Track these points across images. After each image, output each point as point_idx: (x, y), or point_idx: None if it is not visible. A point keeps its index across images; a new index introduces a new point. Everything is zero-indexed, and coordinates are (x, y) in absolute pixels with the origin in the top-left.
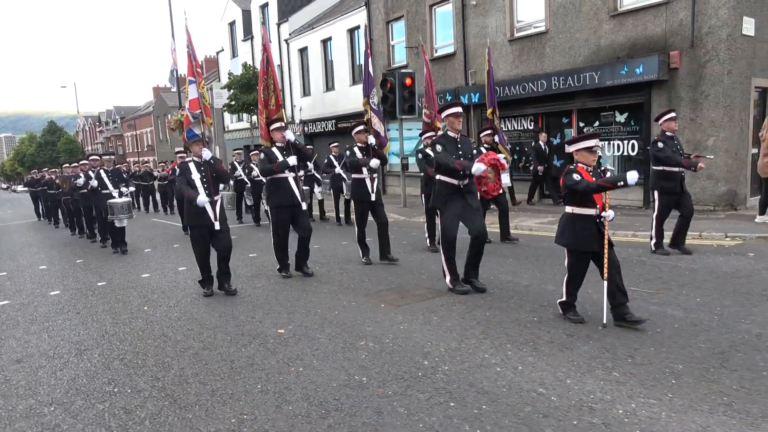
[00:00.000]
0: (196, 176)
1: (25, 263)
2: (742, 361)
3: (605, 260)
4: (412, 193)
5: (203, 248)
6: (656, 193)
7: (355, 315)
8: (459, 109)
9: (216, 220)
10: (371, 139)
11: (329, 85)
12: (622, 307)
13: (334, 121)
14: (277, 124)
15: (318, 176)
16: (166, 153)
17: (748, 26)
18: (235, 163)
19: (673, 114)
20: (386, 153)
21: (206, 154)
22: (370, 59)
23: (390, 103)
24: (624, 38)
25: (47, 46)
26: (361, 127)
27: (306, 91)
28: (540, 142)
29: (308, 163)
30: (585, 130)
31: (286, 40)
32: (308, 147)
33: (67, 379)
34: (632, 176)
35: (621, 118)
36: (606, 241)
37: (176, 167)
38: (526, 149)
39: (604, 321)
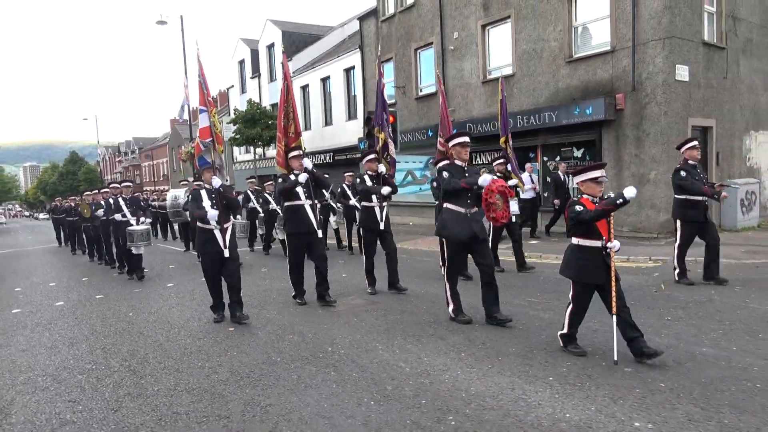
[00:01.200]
0: (206, 203)
1: (38, 281)
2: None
3: (613, 294)
4: (413, 221)
5: (214, 275)
6: (678, 222)
7: (292, 317)
8: (466, 139)
9: (226, 247)
10: (381, 168)
11: (327, 120)
12: (637, 341)
13: (332, 153)
14: (296, 152)
15: (333, 205)
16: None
17: (682, 72)
18: (249, 192)
19: (695, 143)
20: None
21: (216, 182)
22: (384, 89)
23: (373, 138)
24: (578, 82)
25: (71, 78)
26: (371, 156)
27: (307, 126)
28: (559, 173)
29: (325, 192)
30: (549, 164)
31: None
32: (326, 175)
33: (59, 361)
34: (629, 192)
35: (578, 153)
36: (613, 274)
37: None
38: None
39: (615, 358)
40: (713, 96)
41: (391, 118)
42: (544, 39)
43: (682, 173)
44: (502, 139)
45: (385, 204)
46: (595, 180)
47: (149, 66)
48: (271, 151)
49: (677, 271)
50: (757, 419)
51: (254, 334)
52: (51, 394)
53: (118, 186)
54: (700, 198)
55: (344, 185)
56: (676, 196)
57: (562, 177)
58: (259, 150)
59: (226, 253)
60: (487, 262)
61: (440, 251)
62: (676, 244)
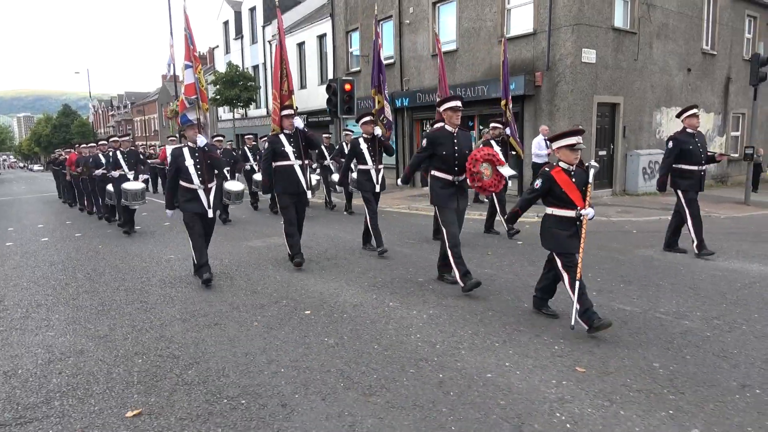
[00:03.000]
0: (189, 162)
1: (28, 223)
2: None
3: (580, 261)
4: None
5: (198, 231)
6: (680, 192)
7: (255, 270)
8: (458, 103)
9: (209, 207)
10: (378, 131)
11: (302, 84)
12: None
13: (306, 115)
14: (287, 111)
15: (332, 167)
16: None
17: (589, 55)
18: (246, 149)
19: (695, 110)
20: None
21: (200, 140)
22: (381, 50)
23: (333, 104)
24: (510, 59)
25: (66, 28)
26: (367, 118)
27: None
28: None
29: (324, 153)
30: (482, 131)
31: (269, 41)
32: (326, 136)
33: (40, 274)
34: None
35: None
36: (583, 243)
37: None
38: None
39: (572, 323)
40: (622, 76)
41: (347, 86)
42: (482, 19)
43: (670, 144)
44: (503, 102)
45: (381, 167)
46: (571, 147)
47: (144, 18)
48: (252, 111)
49: (695, 243)
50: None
51: (223, 286)
52: (32, 291)
53: (117, 139)
54: (695, 167)
55: (343, 143)
56: (673, 165)
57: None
58: (242, 111)
59: (210, 213)
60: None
61: (434, 218)
62: (688, 215)
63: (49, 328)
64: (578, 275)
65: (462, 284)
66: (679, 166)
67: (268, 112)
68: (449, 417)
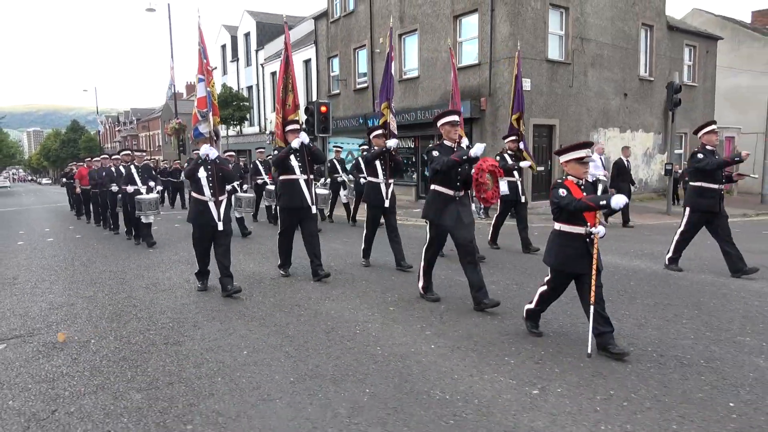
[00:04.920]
0: (202, 174)
1: (37, 227)
2: None
3: (593, 284)
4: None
5: (204, 246)
6: (687, 210)
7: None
8: (455, 117)
9: (220, 220)
10: (390, 143)
11: None
12: (605, 336)
13: None
14: (292, 126)
15: (345, 179)
16: (169, 153)
17: (524, 84)
18: (258, 163)
19: (713, 127)
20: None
21: (212, 153)
22: (393, 63)
23: (310, 124)
24: (460, 86)
25: (77, 44)
26: (379, 131)
27: (274, 108)
28: (622, 157)
29: (337, 167)
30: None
31: (261, 64)
32: (336, 149)
33: (45, 262)
34: (618, 200)
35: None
36: (595, 263)
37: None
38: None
39: (589, 350)
40: (557, 101)
41: (323, 108)
42: (438, 50)
43: (699, 155)
44: (515, 116)
45: (391, 181)
46: (580, 160)
47: (152, 34)
48: (246, 129)
49: (669, 255)
50: None
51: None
52: (39, 273)
53: (130, 153)
54: (716, 186)
55: (359, 158)
56: (691, 183)
57: (625, 162)
58: (237, 128)
59: (220, 226)
60: (467, 239)
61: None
62: (679, 230)
63: (51, 293)
64: (592, 299)
65: (422, 293)
66: (700, 184)
67: (260, 130)
68: None
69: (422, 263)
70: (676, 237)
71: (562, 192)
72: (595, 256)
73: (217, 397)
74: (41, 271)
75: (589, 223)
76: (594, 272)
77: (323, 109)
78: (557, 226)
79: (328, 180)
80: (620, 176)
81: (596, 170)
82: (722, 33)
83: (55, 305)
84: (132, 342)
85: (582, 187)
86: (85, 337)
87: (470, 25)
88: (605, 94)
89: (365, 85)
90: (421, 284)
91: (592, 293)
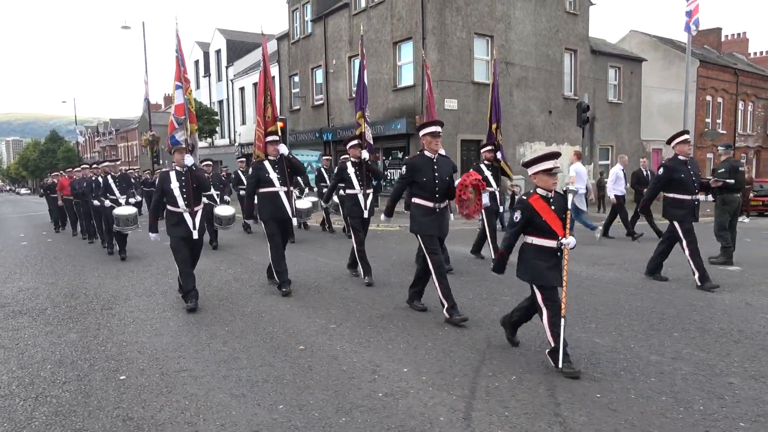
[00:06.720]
0: (175, 185)
1: (13, 234)
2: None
3: (564, 295)
4: None
5: (185, 256)
6: (676, 224)
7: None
8: (437, 128)
9: (195, 229)
10: (365, 154)
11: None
12: (513, 327)
13: None
14: (272, 138)
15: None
16: (146, 163)
17: (451, 104)
18: (240, 173)
19: (686, 136)
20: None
21: (188, 160)
22: (365, 71)
23: None
24: (399, 105)
25: (56, 53)
26: (355, 142)
27: (243, 121)
28: (641, 168)
29: (324, 177)
30: (385, 162)
31: (231, 80)
32: (326, 158)
33: (19, 259)
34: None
35: (400, 155)
36: (565, 274)
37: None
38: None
39: (560, 365)
40: (483, 119)
41: (281, 124)
42: (381, 72)
43: (660, 171)
44: (494, 126)
45: (369, 191)
46: (548, 171)
47: (132, 44)
48: (218, 141)
49: (697, 275)
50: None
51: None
52: (13, 267)
53: (109, 164)
54: (688, 197)
55: (322, 169)
56: (665, 194)
57: (644, 172)
58: (209, 140)
59: (195, 235)
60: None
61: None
62: (685, 246)
63: (20, 281)
64: (562, 311)
65: (448, 316)
66: (672, 195)
67: (230, 142)
68: None
69: (437, 285)
70: (687, 255)
71: (517, 216)
72: (565, 268)
73: (126, 336)
74: (16, 267)
75: (559, 235)
76: (564, 283)
77: (281, 124)
78: (528, 239)
79: (314, 189)
80: (640, 185)
81: (579, 182)
82: (655, 53)
83: (23, 288)
84: (77, 309)
85: (551, 200)
86: (44, 306)
87: (407, 50)
88: (530, 112)
89: (321, 101)
90: (445, 307)
91: (564, 304)
